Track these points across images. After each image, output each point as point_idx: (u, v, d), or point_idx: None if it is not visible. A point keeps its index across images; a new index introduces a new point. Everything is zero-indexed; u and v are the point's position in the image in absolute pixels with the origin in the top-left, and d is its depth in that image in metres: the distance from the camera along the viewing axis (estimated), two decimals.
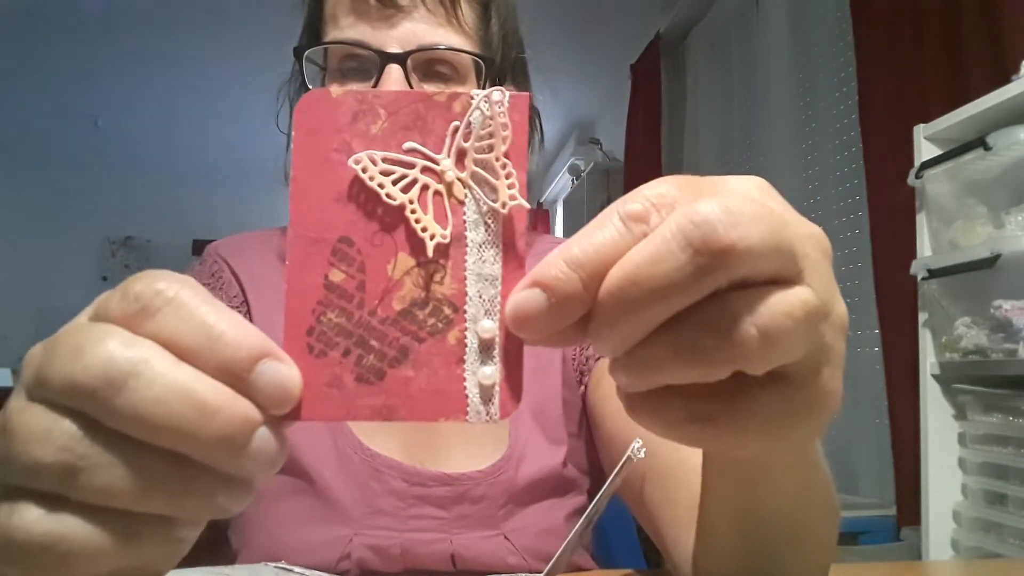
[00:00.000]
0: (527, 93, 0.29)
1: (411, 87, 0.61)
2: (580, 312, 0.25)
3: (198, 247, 5.09)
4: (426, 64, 0.63)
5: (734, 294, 0.23)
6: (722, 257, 0.22)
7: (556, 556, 0.49)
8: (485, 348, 0.28)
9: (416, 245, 0.28)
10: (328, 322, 0.27)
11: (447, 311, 0.28)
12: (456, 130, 0.28)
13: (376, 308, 0.28)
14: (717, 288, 0.23)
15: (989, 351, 1.31)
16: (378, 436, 0.66)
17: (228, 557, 0.66)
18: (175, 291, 0.25)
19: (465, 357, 0.28)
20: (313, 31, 0.69)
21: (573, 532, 0.49)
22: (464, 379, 0.28)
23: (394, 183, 0.28)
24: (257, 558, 0.62)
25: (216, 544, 0.67)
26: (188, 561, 0.49)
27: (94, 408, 0.23)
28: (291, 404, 0.25)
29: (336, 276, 0.28)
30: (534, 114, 0.76)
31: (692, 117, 3.25)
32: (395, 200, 0.28)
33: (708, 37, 3.17)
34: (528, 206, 0.28)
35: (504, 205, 0.28)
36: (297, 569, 0.56)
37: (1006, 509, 1.29)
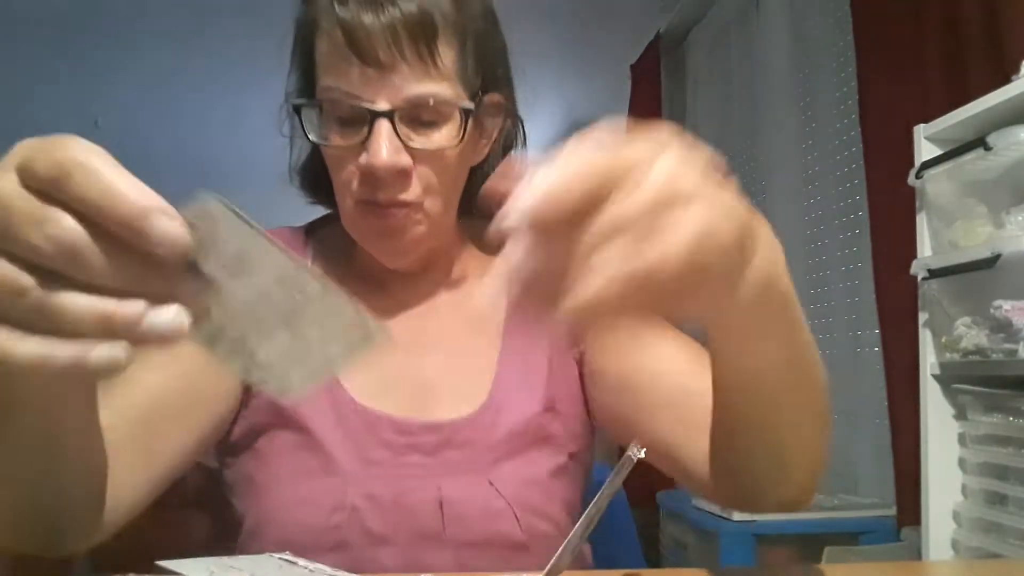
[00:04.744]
0: None
1: (399, 138, 0.64)
2: None
3: None
4: (412, 113, 0.66)
5: None
6: None
7: (556, 556, 0.49)
8: None
9: None
10: None
11: None
12: None
13: None
14: None
15: (989, 351, 1.30)
16: (373, 396, 0.70)
17: (234, 521, 0.70)
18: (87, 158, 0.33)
19: None
20: (304, 73, 0.71)
21: (573, 532, 0.49)
22: None
23: None
24: (258, 518, 0.67)
25: (221, 512, 0.72)
26: (195, 545, 0.51)
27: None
28: (179, 250, 0.32)
29: None
30: (518, 123, 0.78)
31: (692, 117, 3.25)
32: None
33: (708, 37, 3.17)
34: None
35: None
36: (301, 562, 0.57)
37: (1006, 509, 1.29)
